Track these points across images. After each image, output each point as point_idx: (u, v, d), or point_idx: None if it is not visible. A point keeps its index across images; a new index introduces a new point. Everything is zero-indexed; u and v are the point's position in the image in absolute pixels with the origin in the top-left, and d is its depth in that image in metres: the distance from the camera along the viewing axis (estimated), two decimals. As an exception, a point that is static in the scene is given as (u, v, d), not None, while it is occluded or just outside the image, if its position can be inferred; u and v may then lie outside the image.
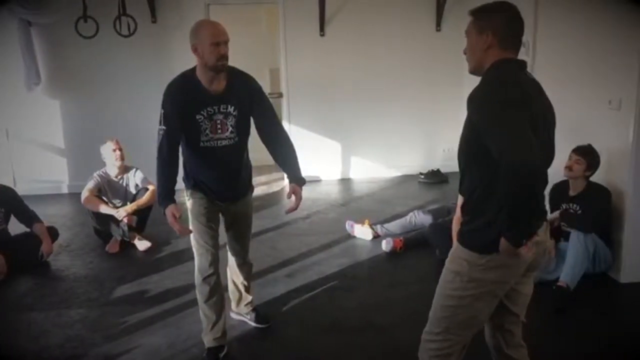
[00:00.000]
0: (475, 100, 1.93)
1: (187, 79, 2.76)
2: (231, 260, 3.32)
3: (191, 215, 2.96)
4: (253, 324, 3.38)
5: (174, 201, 2.73)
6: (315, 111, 6.67)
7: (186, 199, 2.97)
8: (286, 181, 3.10)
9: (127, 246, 4.71)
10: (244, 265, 3.32)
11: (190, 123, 2.75)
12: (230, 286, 3.41)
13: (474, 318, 2.08)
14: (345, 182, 6.79)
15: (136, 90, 6.42)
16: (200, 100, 2.74)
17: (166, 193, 2.76)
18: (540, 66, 4.90)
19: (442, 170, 6.72)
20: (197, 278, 3.01)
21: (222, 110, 2.77)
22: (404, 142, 6.90)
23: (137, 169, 4.89)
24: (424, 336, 2.18)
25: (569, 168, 3.85)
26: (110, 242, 4.68)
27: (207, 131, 2.78)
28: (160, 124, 2.72)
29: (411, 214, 4.93)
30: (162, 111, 2.73)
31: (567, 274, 3.66)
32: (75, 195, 4.86)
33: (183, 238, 4.81)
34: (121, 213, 4.59)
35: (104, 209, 4.62)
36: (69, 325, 3.46)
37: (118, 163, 4.77)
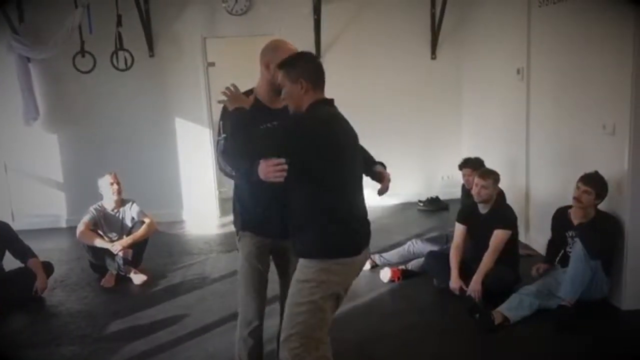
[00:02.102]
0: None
1: (247, 95, 2.61)
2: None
3: (241, 253, 2.73)
4: None
5: None
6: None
7: (236, 232, 2.77)
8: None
9: (122, 280, 4.67)
10: None
11: None
12: None
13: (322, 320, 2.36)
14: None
15: (134, 123, 6.46)
16: (261, 116, 2.54)
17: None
18: (534, 92, 4.91)
19: (441, 197, 6.69)
20: (242, 327, 2.75)
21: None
22: (402, 169, 6.80)
23: (133, 202, 4.88)
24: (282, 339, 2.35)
25: (577, 199, 3.75)
26: (106, 277, 4.64)
27: None
28: (219, 135, 2.58)
29: (409, 242, 4.88)
30: (221, 122, 2.58)
31: (567, 289, 3.63)
32: (73, 229, 4.83)
33: (179, 271, 4.88)
34: (117, 247, 4.56)
35: (99, 242, 4.59)
36: (60, 363, 3.40)
37: (115, 197, 4.75)
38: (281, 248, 2.72)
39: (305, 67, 2.38)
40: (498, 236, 4.00)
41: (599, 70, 3.92)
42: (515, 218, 4.16)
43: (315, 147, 2.26)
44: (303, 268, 2.37)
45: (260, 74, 2.64)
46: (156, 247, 5.34)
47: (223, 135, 2.54)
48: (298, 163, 2.28)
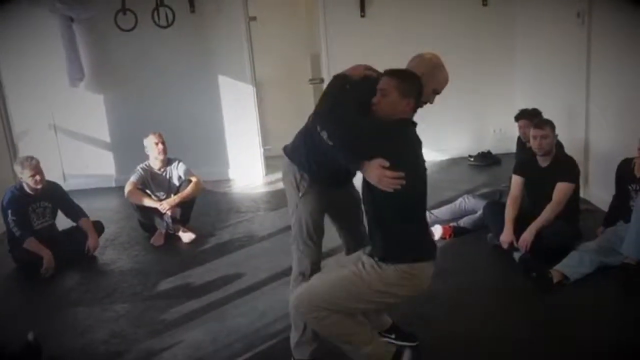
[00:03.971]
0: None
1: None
2: None
3: (304, 210, 2.63)
4: (399, 344, 2.81)
5: None
6: (358, 96, 6.46)
7: (296, 186, 2.63)
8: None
9: (172, 238, 4.69)
10: None
11: None
12: None
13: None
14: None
15: (177, 81, 6.41)
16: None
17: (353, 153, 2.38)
18: (596, 38, 4.58)
19: (493, 151, 6.44)
20: (300, 282, 2.67)
21: None
22: (451, 123, 6.63)
23: (179, 161, 4.86)
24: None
25: None
26: (155, 235, 4.67)
27: None
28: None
29: (461, 199, 4.71)
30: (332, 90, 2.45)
31: (630, 246, 3.43)
32: (122, 189, 4.87)
33: (227, 229, 4.88)
34: (165, 206, 4.57)
35: (148, 202, 4.61)
36: (113, 321, 3.44)
37: (161, 157, 4.74)
38: (343, 198, 2.75)
39: (419, 89, 2.40)
40: (562, 189, 3.78)
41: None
42: (579, 171, 3.94)
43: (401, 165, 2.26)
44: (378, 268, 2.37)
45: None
46: (203, 205, 5.34)
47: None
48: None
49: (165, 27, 5.88)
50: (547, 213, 3.76)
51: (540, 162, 3.93)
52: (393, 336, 2.95)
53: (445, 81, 2.53)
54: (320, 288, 2.41)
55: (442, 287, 3.55)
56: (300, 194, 2.63)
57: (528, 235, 3.71)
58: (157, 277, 4.03)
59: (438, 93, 2.53)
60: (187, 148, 6.16)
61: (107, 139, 6.59)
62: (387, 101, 2.34)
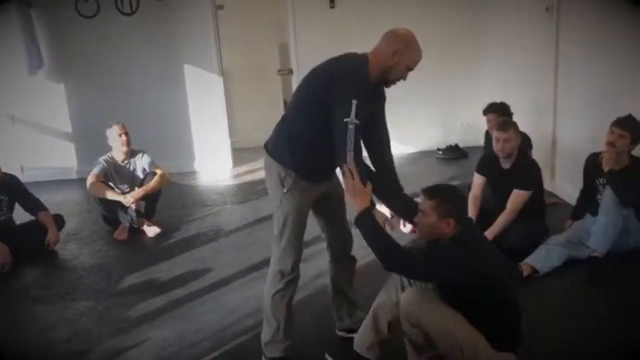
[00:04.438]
0: None
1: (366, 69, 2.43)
2: (334, 261, 2.86)
3: (289, 206, 2.54)
4: None
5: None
6: (327, 87, 6.40)
7: (281, 182, 2.53)
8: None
9: (136, 233, 4.55)
10: (352, 259, 2.89)
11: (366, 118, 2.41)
12: (339, 299, 2.91)
13: None
14: (360, 160, 6.56)
15: (142, 70, 6.24)
16: (372, 97, 2.47)
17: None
18: (565, 32, 4.61)
19: (461, 145, 6.47)
20: (278, 281, 2.60)
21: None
22: (420, 116, 6.63)
23: (144, 153, 4.71)
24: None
25: (611, 144, 3.50)
26: (119, 229, 4.53)
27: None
28: (350, 116, 2.26)
29: (429, 192, 4.69)
30: (355, 102, 2.27)
31: (598, 240, 3.47)
32: (84, 181, 4.71)
33: (193, 223, 4.76)
34: (128, 199, 4.42)
35: (111, 194, 4.46)
36: (75, 318, 3.31)
37: (124, 148, 4.59)
38: (328, 189, 2.68)
39: (460, 205, 2.33)
40: (517, 197, 3.75)
41: None
42: (539, 175, 3.92)
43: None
44: None
45: (377, 53, 2.42)
46: (168, 198, 5.21)
47: (355, 121, 2.27)
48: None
49: (129, 15, 5.70)
50: (502, 220, 3.74)
51: (503, 163, 3.90)
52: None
53: (419, 58, 2.44)
54: (441, 325, 2.25)
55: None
56: (285, 190, 2.53)
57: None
58: (121, 272, 3.90)
59: (411, 69, 2.44)
60: (151, 139, 5.97)
61: (68, 130, 6.37)
62: (425, 224, 2.30)
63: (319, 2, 6.25)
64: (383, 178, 2.58)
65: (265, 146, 2.63)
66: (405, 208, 2.59)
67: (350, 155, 2.29)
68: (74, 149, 6.40)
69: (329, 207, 2.74)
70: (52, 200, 5.01)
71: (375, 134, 2.56)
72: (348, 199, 2.40)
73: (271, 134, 2.64)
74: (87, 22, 5.77)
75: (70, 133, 6.37)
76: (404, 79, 2.46)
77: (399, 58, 2.38)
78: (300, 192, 2.53)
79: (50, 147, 6.36)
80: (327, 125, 2.36)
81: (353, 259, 2.89)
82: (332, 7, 6.27)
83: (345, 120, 2.27)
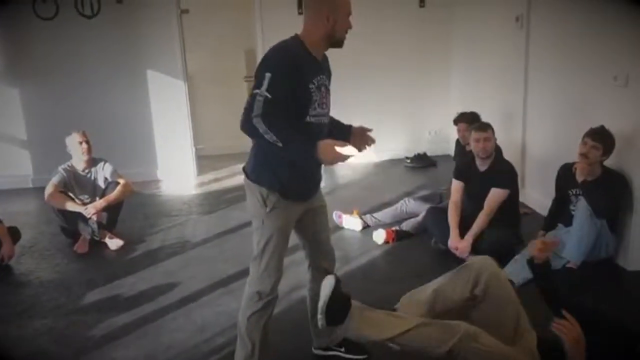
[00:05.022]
0: None
1: (295, 43, 2.31)
2: (316, 281, 2.65)
3: (272, 226, 2.40)
4: (348, 357, 2.81)
5: None
6: (294, 95, 6.30)
7: (263, 202, 2.38)
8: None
9: (97, 245, 4.34)
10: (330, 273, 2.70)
11: (302, 92, 2.27)
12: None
13: None
14: (327, 168, 6.47)
15: (103, 75, 6.00)
16: (311, 67, 2.31)
17: (300, 141, 2.22)
18: (535, 41, 4.64)
19: (429, 153, 6.45)
20: (255, 302, 2.46)
21: (323, 81, 2.37)
22: (388, 124, 6.57)
23: (105, 162, 4.51)
24: None
25: (584, 155, 3.51)
26: (79, 242, 4.31)
27: (316, 104, 2.33)
28: (259, 88, 2.16)
29: (402, 202, 4.64)
30: (269, 74, 2.16)
31: (573, 251, 3.49)
32: (41, 190, 4.48)
33: (157, 235, 4.58)
34: (90, 210, 4.21)
35: (71, 205, 4.24)
36: (32, 339, 3.10)
37: (85, 157, 4.38)
38: (312, 204, 2.57)
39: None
40: (494, 195, 3.79)
41: (610, 17, 3.65)
42: (516, 175, 3.95)
43: None
44: None
45: (311, 22, 2.32)
46: (131, 209, 5.00)
47: (265, 93, 2.16)
48: None
49: (90, 17, 5.47)
50: (480, 219, 3.78)
51: (479, 165, 3.93)
52: (343, 349, 2.83)
53: (348, 2, 2.33)
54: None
55: (389, 292, 3.41)
56: (267, 209, 2.40)
57: (465, 243, 3.74)
58: (82, 288, 3.70)
59: (350, 14, 2.34)
60: (112, 146, 5.78)
61: (24, 137, 6.08)
62: None
63: (287, 8, 6.14)
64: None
65: (244, 170, 2.50)
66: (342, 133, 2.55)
67: (257, 120, 2.16)
68: (30, 156, 6.10)
69: (312, 221, 2.61)
70: (6, 211, 4.79)
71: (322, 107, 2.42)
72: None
73: (248, 158, 2.50)
74: (45, 24, 5.51)
75: (25, 140, 6.08)
76: (350, 27, 2.36)
77: (334, 17, 2.28)
78: (284, 211, 2.41)
79: (4, 154, 6.06)
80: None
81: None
82: (300, 13, 6.16)
83: (255, 91, 2.18)
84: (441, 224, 3.92)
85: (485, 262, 2.38)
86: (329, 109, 2.47)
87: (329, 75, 2.48)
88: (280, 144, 2.17)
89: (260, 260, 2.44)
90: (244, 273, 3.59)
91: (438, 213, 4.04)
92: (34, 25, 5.57)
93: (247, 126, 2.20)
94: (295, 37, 2.35)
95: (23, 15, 5.52)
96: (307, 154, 2.20)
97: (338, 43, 2.38)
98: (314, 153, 2.17)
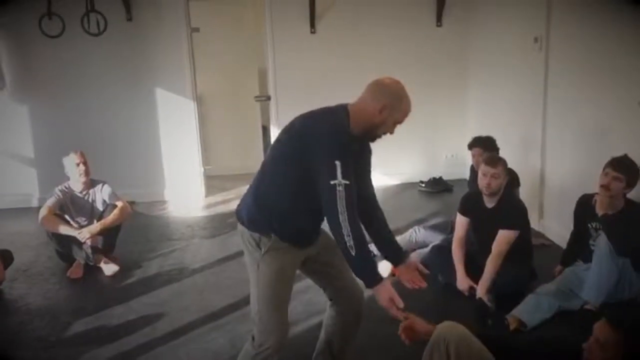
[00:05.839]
0: None
1: (344, 120, 2.19)
2: (333, 316, 2.55)
3: (268, 270, 2.24)
4: None
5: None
6: (306, 115, 6.13)
7: (256, 245, 2.26)
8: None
9: (92, 270, 4.18)
10: (359, 317, 2.57)
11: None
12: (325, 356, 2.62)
13: None
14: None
15: (111, 94, 5.91)
16: (357, 152, 2.24)
17: (374, 264, 2.19)
18: (554, 64, 4.38)
19: (445, 177, 6.19)
20: (251, 357, 2.28)
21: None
22: (402, 147, 6.29)
23: (104, 184, 4.37)
24: None
25: (605, 187, 3.22)
26: (73, 266, 4.16)
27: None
28: (336, 178, 2.02)
29: (411, 230, 4.39)
30: (339, 162, 2.03)
31: (592, 292, 3.20)
32: (46, 209, 4.36)
33: (156, 260, 4.41)
34: (84, 234, 4.06)
35: (64, 229, 4.10)
36: (7, 375, 2.95)
37: (83, 178, 4.25)
38: (314, 251, 2.38)
39: None
40: (503, 238, 3.46)
41: (635, 38, 3.40)
42: (525, 214, 3.64)
43: None
44: None
45: (362, 108, 2.20)
46: (133, 231, 4.86)
47: (343, 181, 2.03)
48: None
49: (96, 35, 5.37)
50: (490, 265, 3.45)
51: (487, 201, 3.62)
52: None
53: (409, 110, 2.23)
54: None
55: (391, 331, 3.19)
56: (262, 251, 2.22)
57: (483, 293, 3.40)
58: (69, 317, 3.53)
59: (400, 123, 2.22)
60: (120, 165, 5.77)
61: (31, 155, 6.00)
62: None
63: (300, 27, 5.99)
64: (374, 233, 2.46)
65: (238, 214, 2.34)
66: (395, 256, 2.48)
67: (343, 218, 2.02)
68: (36, 174, 6.02)
69: (324, 262, 2.40)
70: (7, 230, 4.70)
71: (360, 190, 2.25)
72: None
73: (244, 201, 2.34)
74: (52, 42, 5.44)
75: (33, 158, 6.00)
76: (392, 132, 2.22)
77: (387, 114, 2.15)
78: (282, 253, 2.21)
79: (11, 172, 5.99)
80: (306, 188, 2.11)
81: (361, 316, 2.57)
82: (313, 32, 6.02)
83: (332, 182, 2.01)
84: (446, 262, 3.66)
85: (450, 330, 2.16)
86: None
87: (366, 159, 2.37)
88: (352, 252, 2.05)
89: (260, 315, 2.24)
90: (236, 306, 3.50)
91: (441, 251, 3.79)
92: (42, 42, 5.51)
93: (334, 227, 2.08)
94: (344, 111, 2.20)
95: (31, 32, 5.47)
96: (367, 278, 2.12)
97: (373, 138, 2.25)
98: (372, 284, 2.10)
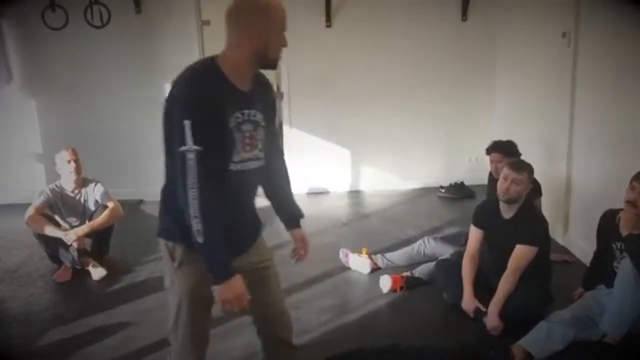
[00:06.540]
0: None
1: (211, 69, 1.81)
2: (267, 347, 2.21)
3: (182, 286, 1.93)
4: None
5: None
6: (321, 113, 5.86)
7: (170, 255, 1.94)
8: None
9: (81, 274, 3.99)
10: (292, 349, 2.22)
11: (223, 136, 1.80)
12: None
13: None
14: (354, 195, 5.96)
15: (118, 89, 5.78)
16: (230, 100, 1.81)
17: (225, 254, 1.80)
18: (583, 62, 3.98)
19: (467, 182, 5.81)
20: None
21: (251, 117, 1.88)
22: (422, 150, 6.02)
23: (97, 183, 4.18)
24: None
25: (631, 203, 2.84)
26: (60, 269, 3.99)
27: (239, 148, 1.86)
28: (185, 144, 1.69)
29: (420, 241, 4.05)
30: (189, 122, 1.69)
31: (612, 322, 2.82)
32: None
33: (148, 265, 4.20)
34: (70, 236, 3.88)
35: (50, 230, 3.92)
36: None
37: (74, 177, 4.07)
38: (245, 265, 1.94)
39: None
40: (521, 253, 3.09)
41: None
42: (546, 228, 3.26)
43: None
44: None
45: (235, 41, 1.84)
46: (135, 231, 4.71)
47: (194, 147, 1.69)
48: None
49: (99, 27, 5.21)
50: (505, 282, 3.08)
51: (503, 211, 3.25)
52: None
53: (284, 15, 1.83)
54: None
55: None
56: (175, 264, 1.90)
57: (493, 319, 3.03)
58: (45, 325, 3.34)
59: (285, 30, 1.84)
60: (128, 162, 5.66)
61: (39, 150, 5.90)
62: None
63: (315, 21, 5.71)
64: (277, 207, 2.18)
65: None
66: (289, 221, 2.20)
67: (192, 195, 1.69)
68: (44, 170, 5.90)
69: (251, 285, 1.88)
70: (9, 227, 4.56)
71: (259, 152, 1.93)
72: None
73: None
74: (60, 36, 5.33)
75: (41, 153, 5.89)
76: (285, 45, 1.85)
77: (266, 35, 1.79)
78: (196, 267, 1.83)
79: (19, 167, 5.92)
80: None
81: (294, 348, 2.23)
82: (328, 26, 5.72)
83: (182, 149, 1.68)
84: (453, 280, 3.31)
85: None
86: (265, 152, 1.96)
87: (267, 107, 1.96)
88: (200, 239, 1.71)
89: (176, 332, 1.96)
90: (219, 320, 3.20)
91: (448, 268, 3.43)
92: (50, 36, 5.41)
93: (185, 206, 1.73)
94: (210, 61, 1.83)
95: (37, 25, 5.34)
96: (215, 271, 1.77)
97: (271, 64, 1.87)
98: (219, 279, 1.76)
